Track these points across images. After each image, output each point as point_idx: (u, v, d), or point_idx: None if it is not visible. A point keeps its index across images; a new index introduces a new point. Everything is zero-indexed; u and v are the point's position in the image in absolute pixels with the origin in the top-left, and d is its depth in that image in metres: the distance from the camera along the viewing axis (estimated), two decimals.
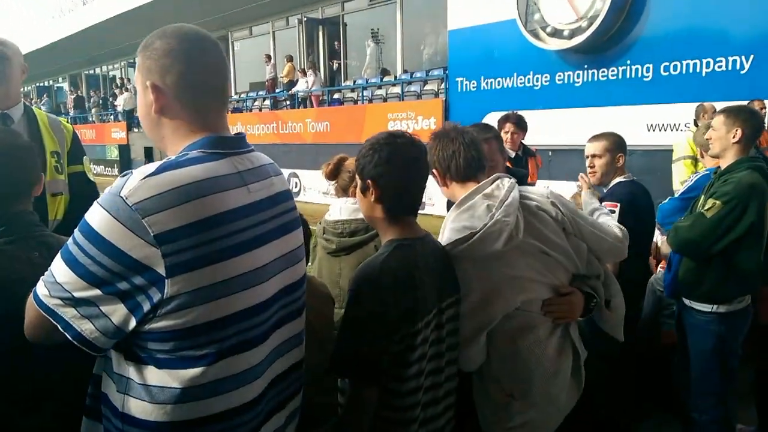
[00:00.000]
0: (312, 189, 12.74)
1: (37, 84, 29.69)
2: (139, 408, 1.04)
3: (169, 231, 0.97)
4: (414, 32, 13.56)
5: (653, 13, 7.58)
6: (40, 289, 1.05)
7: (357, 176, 1.51)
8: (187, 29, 1.15)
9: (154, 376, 1.04)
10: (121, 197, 0.98)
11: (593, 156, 2.71)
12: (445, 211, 2.15)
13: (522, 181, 2.35)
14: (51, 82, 29.37)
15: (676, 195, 3.11)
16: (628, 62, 7.86)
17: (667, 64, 7.46)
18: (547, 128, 8.47)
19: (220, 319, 1.04)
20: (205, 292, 1.01)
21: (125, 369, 1.07)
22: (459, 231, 1.57)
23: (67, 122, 2.42)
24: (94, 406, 1.14)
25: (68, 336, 1.02)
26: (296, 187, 13.43)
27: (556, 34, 8.34)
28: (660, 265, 3.24)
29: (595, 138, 2.74)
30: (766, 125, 3.93)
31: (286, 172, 13.64)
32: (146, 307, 1.00)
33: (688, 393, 2.63)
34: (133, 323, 1.01)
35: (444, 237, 1.62)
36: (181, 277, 0.99)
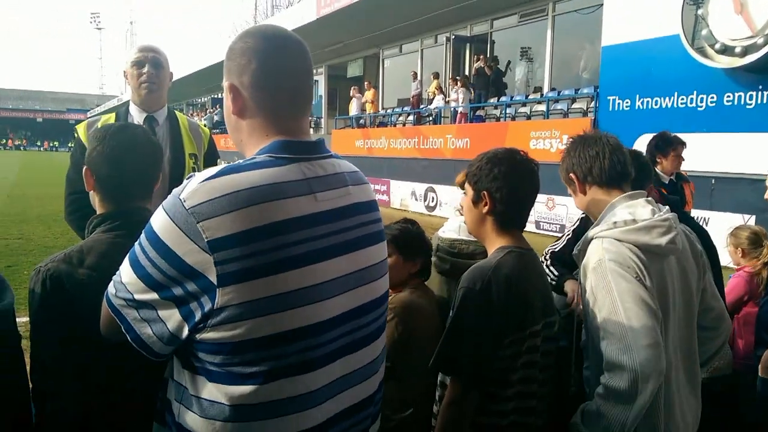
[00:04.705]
0: (448, 204, 12.83)
1: (212, 96, 33.96)
2: (191, 420, 1.01)
3: (223, 238, 0.93)
4: (564, 49, 13.13)
5: None
6: (110, 287, 1.05)
7: (469, 188, 1.55)
8: (272, 29, 1.10)
9: (206, 388, 0.99)
10: (180, 200, 0.95)
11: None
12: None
13: (677, 207, 2.14)
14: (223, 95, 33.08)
15: None
16: None
17: None
18: (711, 153, 7.71)
19: (271, 336, 0.96)
20: (256, 306, 0.95)
21: (182, 377, 1.04)
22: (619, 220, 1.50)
23: (205, 126, 2.55)
24: (161, 410, 1.10)
25: (129, 338, 1.02)
26: (433, 201, 13.61)
27: (727, 51, 7.61)
28: None
29: None
30: None
31: (423, 186, 13.88)
32: (198, 315, 0.96)
33: None
34: (186, 331, 0.97)
35: (596, 228, 1.54)
36: (232, 287, 0.93)
